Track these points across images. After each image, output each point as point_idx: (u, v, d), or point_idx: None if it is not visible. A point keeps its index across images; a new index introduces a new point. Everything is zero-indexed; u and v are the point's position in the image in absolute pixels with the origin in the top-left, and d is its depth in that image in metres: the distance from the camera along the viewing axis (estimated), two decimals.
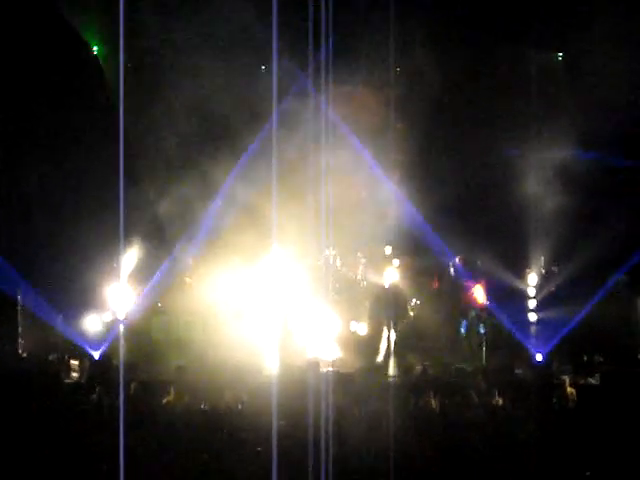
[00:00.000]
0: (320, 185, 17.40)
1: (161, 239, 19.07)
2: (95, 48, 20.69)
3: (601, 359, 16.91)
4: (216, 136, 19.40)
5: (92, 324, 18.20)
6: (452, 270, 19.95)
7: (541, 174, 19.78)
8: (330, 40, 14.59)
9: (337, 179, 17.37)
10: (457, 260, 19.87)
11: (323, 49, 14.49)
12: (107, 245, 17.28)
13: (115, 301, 18.16)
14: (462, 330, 19.08)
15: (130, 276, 18.56)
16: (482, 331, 18.78)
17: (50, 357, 17.49)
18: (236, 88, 18.79)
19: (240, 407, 14.81)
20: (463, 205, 19.74)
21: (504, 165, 20.07)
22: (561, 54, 21.07)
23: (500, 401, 15.09)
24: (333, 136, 17.07)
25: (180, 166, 19.23)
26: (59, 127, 19.06)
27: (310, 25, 13.68)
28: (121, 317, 17.80)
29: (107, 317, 18.37)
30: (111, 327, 18.00)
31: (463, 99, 20.16)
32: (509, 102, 19.83)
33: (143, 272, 18.80)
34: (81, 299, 18.29)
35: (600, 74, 19.04)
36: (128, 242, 18.26)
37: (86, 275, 18.21)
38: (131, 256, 18.57)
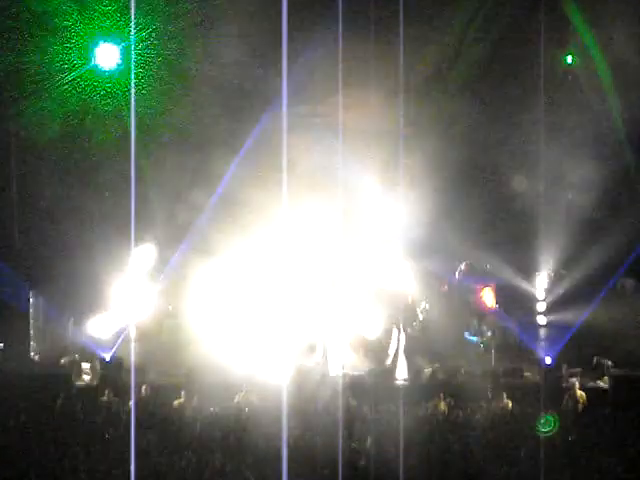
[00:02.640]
0: (329, 187, 17.47)
1: (171, 242, 19.08)
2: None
3: (610, 362, 16.87)
4: (224, 142, 19.36)
5: (103, 327, 18.24)
6: (460, 273, 19.93)
7: (554, 174, 19.68)
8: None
9: (344, 180, 17.43)
10: (465, 264, 19.86)
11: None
12: (118, 248, 17.37)
13: (126, 304, 18.20)
14: (467, 336, 19.11)
15: (141, 279, 18.61)
16: (489, 335, 18.79)
17: (61, 360, 17.56)
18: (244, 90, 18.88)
19: (249, 409, 14.88)
20: (473, 206, 19.71)
21: (515, 165, 19.99)
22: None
23: (509, 404, 15.12)
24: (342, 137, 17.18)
25: (191, 170, 19.22)
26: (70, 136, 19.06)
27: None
28: (132, 320, 17.83)
29: (118, 320, 18.39)
30: (122, 330, 18.03)
31: (475, 100, 20.04)
32: (523, 101, 19.74)
33: (154, 275, 18.85)
34: (92, 302, 18.35)
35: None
36: (139, 245, 18.34)
37: (97, 278, 18.26)
38: (142, 259, 18.63)
